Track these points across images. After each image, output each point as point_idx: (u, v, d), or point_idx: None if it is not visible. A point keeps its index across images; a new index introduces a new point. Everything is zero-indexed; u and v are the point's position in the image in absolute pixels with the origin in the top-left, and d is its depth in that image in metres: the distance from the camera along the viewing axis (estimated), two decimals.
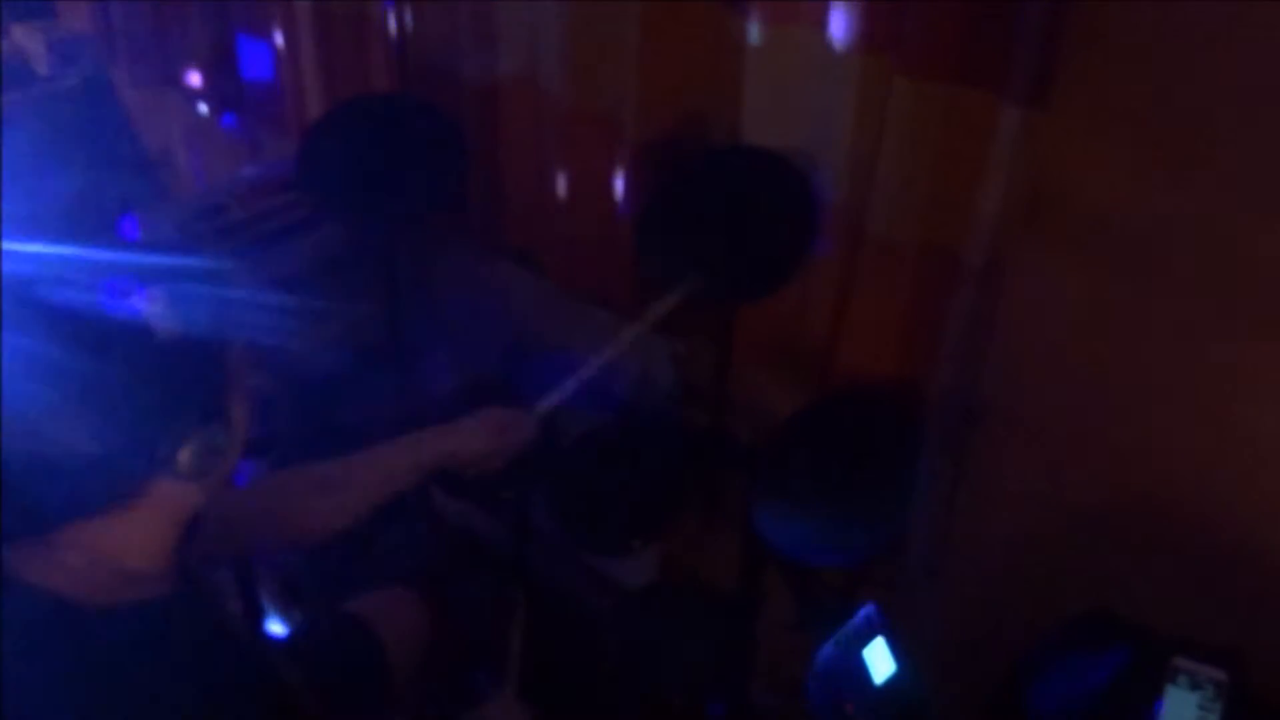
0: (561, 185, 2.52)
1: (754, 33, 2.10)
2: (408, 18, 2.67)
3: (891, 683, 1.79)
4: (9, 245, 1.27)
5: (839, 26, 1.99)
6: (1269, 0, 1.64)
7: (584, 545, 2.36)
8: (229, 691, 1.39)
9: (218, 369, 1.34)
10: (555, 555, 2.77)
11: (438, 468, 2.01)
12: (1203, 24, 1.71)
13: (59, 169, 3.94)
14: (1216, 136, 1.77)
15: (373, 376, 2.81)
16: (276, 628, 2.76)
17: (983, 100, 1.87)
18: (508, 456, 2.05)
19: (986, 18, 1.81)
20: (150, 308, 1.25)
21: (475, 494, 2.52)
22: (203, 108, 3.53)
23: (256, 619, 2.67)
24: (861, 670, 1.81)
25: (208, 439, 1.30)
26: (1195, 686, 1.75)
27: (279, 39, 3.01)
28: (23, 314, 1.22)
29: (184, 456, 1.28)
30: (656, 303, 2.13)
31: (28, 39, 3.80)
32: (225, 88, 3.32)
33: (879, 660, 1.82)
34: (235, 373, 1.37)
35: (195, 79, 3.38)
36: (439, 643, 2.19)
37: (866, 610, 1.88)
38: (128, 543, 1.34)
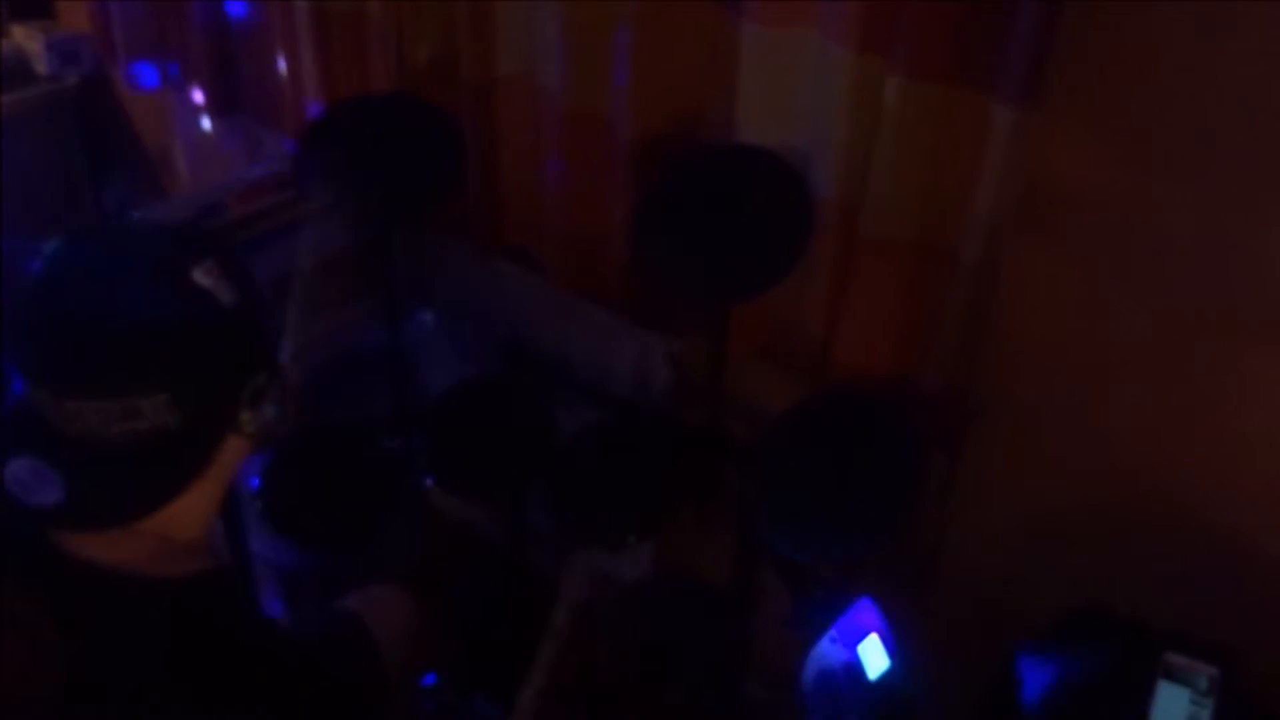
0: (558, 183, 2.52)
1: (749, 33, 2.10)
2: (406, 17, 2.66)
3: (886, 678, 1.79)
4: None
5: (833, 27, 1.99)
6: (1261, 0, 1.64)
7: (581, 540, 2.36)
8: (242, 674, 1.40)
9: (269, 325, 1.43)
10: (551, 550, 2.76)
11: None
12: (1193, 23, 1.71)
13: (59, 168, 3.94)
14: (1208, 135, 1.77)
15: (370, 373, 2.81)
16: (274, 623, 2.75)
17: (976, 99, 1.87)
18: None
19: (979, 18, 1.81)
20: (209, 280, 1.31)
21: (472, 491, 2.52)
22: (205, 123, 3.53)
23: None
24: (856, 665, 1.81)
25: (277, 391, 1.40)
26: (1187, 682, 1.75)
27: (278, 39, 3.00)
28: (95, 297, 1.28)
29: (251, 414, 1.36)
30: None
31: (27, 39, 3.79)
32: (223, 87, 3.31)
33: (873, 656, 1.82)
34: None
35: (198, 95, 3.37)
36: (434, 638, 2.19)
37: (861, 606, 1.88)
38: (189, 512, 1.39)
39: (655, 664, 2.29)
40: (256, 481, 2.33)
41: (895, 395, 2.18)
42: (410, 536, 2.81)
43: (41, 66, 3.79)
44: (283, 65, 3.03)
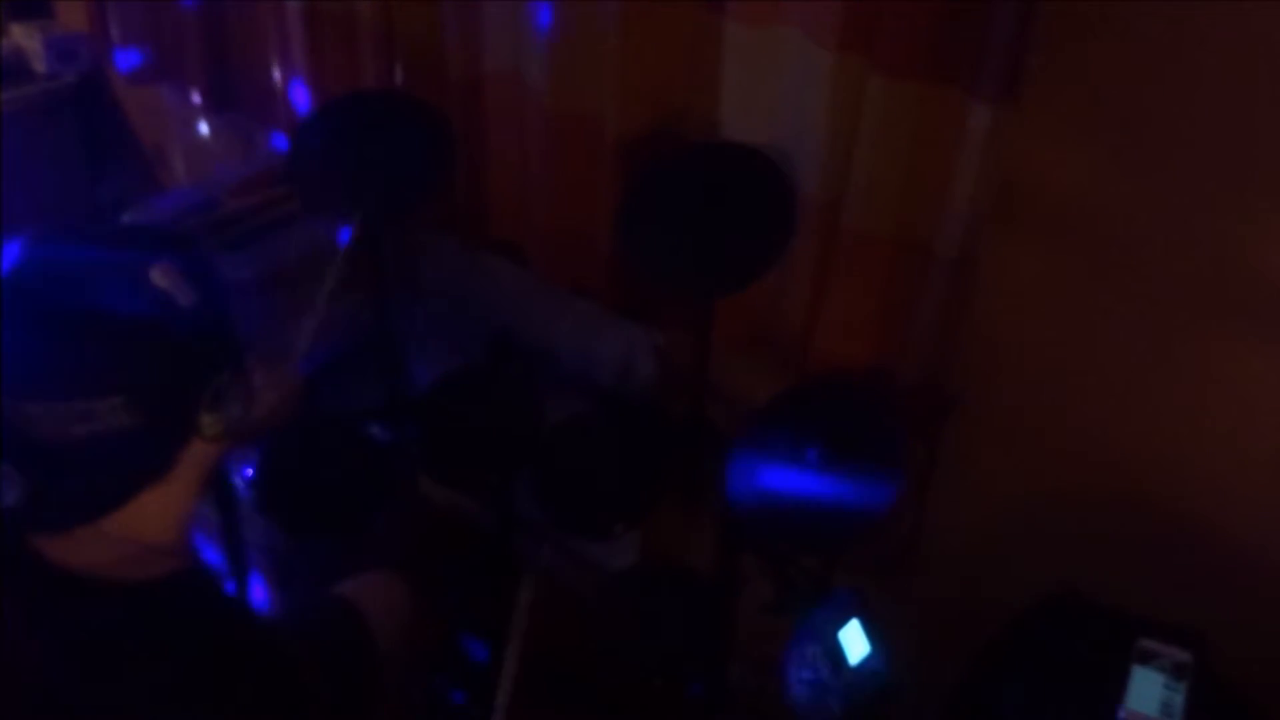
0: (545, 180, 2.51)
1: (732, 32, 2.09)
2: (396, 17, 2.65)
3: (866, 663, 1.78)
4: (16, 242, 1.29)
5: (814, 26, 1.98)
6: (1236, 0, 1.63)
7: (568, 529, 2.35)
8: (225, 668, 1.38)
9: (232, 326, 1.37)
10: (539, 539, 2.76)
11: None
12: (1166, 24, 1.70)
13: (56, 164, 3.92)
14: (1182, 133, 1.77)
15: (361, 365, 2.80)
16: (267, 611, 2.74)
17: (954, 97, 1.86)
18: None
19: (957, 18, 1.81)
20: (167, 281, 1.27)
21: (462, 481, 2.51)
22: (203, 128, 3.52)
23: (248, 602, 2.66)
24: (837, 651, 1.81)
25: (239, 395, 1.34)
26: (1161, 666, 1.75)
27: (271, 37, 2.99)
28: (51, 299, 1.25)
29: (211, 418, 1.31)
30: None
31: (26, 38, 3.77)
32: (218, 85, 3.29)
33: (854, 642, 1.81)
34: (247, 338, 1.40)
35: (196, 97, 3.35)
36: (426, 624, 2.18)
37: (842, 593, 1.88)
38: (157, 515, 1.36)
39: (640, 650, 2.28)
40: (250, 471, 2.32)
41: (875, 387, 2.17)
42: (401, 524, 2.81)
43: (40, 65, 3.77)
44: (275, 63, 3.01)
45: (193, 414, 1.30)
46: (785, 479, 2.03)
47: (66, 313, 1.24)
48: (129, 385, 1.23)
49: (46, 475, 1.26)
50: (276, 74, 3.03)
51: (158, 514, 1.36)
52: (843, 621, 1.84)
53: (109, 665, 1.30)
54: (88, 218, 3.98)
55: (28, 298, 1.25)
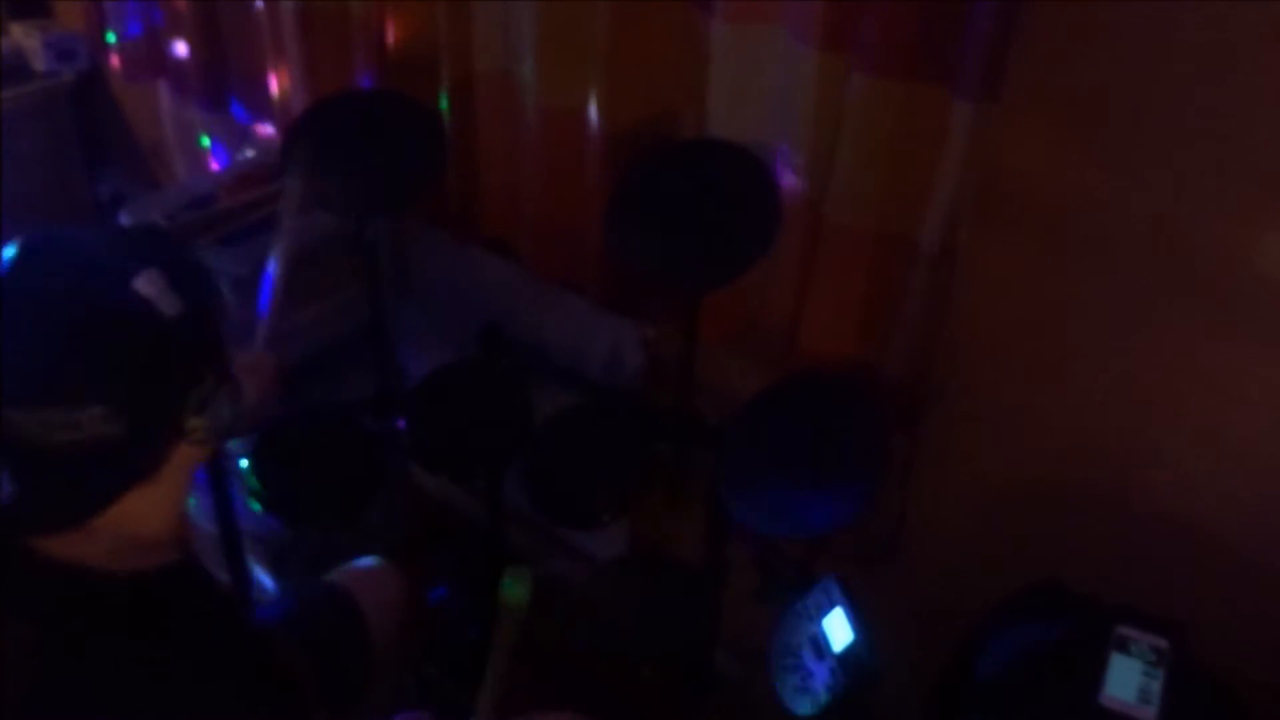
0: (535, 177, 2.50)
1: (718, 31, 2.08)
2: (388, 16, 2.64)
3: (850, 650, 1.78)
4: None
5: (799, 25, 1.97)
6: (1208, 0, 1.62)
7: (557, 519, 2.34)
8: (219, 657, 1.38)
9: (219, 335, 1.35)
10: (529, 529, 2.75)
11: None
12: (1146, 21, 1.70)
13: (55, 161, 3.90)
14: (1161, 130, 1.77)
15: (354, 358, 2.79)
16: (262, 599, 2.73)
17: (936, 95, 1.85)
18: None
19: (941, 17, 1.80)
20: (152, 290, 1.24)
21: (452, 472, 2.50)
22: (200, 126, 3.50)
23: (244, 591, 2.65)
24: (821, 638, 1.80)
25: (223, 402, 1.32)
26: (1139, 653, 1.74)
27: (266, 36, 2.98)
28: (33, 307, 1.23)
29: (198, 423, 1.30)
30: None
31: (25, 37, 3.76)
32: (214, 83, 3.28)
33: (837, 630, 1.80)
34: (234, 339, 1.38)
35: (194, 96, 3.33)
36: (417, 611, 2.17)
37: (826, 582, 1.87)
38: (150, 511, 1.34)
39: (629, 638, 2.27)
40: (245, 461, 2.31)
41: (858, 379, 2.17)
42: (393, 514, 2.80)
43: (39, 64, 3.76)
44: (270, 62, 3.00)
45: (176, 421, 1.28)
46: (771, 470, 2.02)
47: (48, 321, 1.22)
48: (108, 396, 1.21)
49: (31, 477, 1.24)
50: (271, 72, 3.02)
51: (147, 511, 1.34)
52: (827, 609, 1.83)
53: (101, 655, 1.28)
54: (85, 215, 3.98)
55: (9, 305, 1.22)
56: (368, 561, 2.18)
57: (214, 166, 3.51)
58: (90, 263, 1.27)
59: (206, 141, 3.57)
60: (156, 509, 1.35)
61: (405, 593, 2.16)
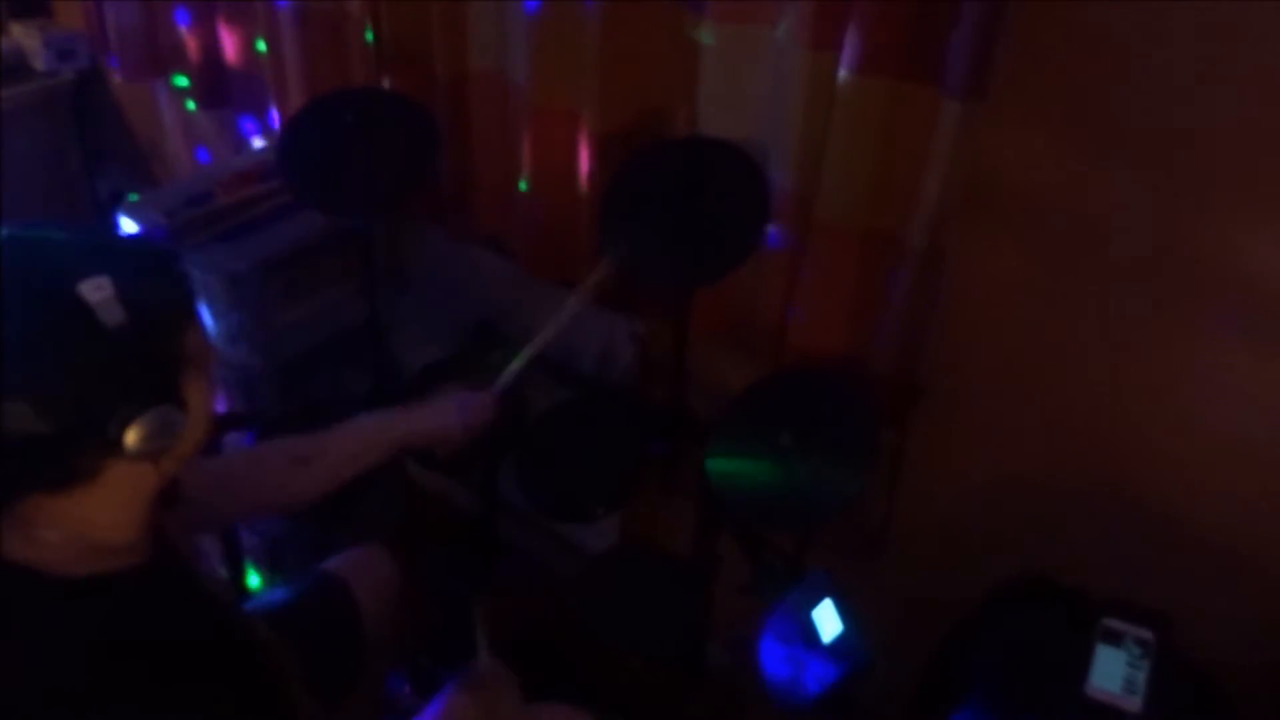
0: (528, 174, 2.49)
1: (709, 31, 2.07)
2: (383, 15, 2.63)
3: (838, 642, 1.78)
4: None
5: (789, 25, 1.97)
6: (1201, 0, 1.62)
7: (549, 512, 2.33)
8: (206, 654, 1.35)
9: (168, 353, 1.28)
10: (522, 521, 2.74)
11: (410, 444, 1.99)
12: (1132, 20, 1.69)
13: (55, 160, 3.89)
14: (1147, 128, 1.77)
15: (350, 355, 2.78)
16: (260, 589, 2.72)
17: (924, 93, 1.85)
18: (472, 434, 2.03)
19: (929, 16, 1.80)
20: (96, 296, 1.19)
21: (446, 466, 2.49)
22: (194, 116, 3.49)
23: (241, 582, 2.64)
24: (810, 630, 1.80)
25: (158, 420, 1.25)
26: (1124, 645, 1.75)
27: (263, 36, 2.97)
28: None
29: (131, 438, 1.23)
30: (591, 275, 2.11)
31: (26, 36, 3.74)
32: (212, 82, 3.27)
33: (827, 621, 1.81)
34: (192, 354, 1.31)
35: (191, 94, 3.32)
36: (411, 600, 2.17)
37: (815, 574, 1.87)
38: (95, 518, 1.30)
39: (620, 630, 2.27)
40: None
41: (847, 375, 2.16)
42: (388, 507, 2.79)
43: (39, 63, 3.74)
44: (267, 61, 2.99)
45: (106, 431, 1.23)
46: (761, 463, 2.02)
47: None
48: (30, 393, 1.17)
49: None
50: (267, 71, 3.01)
51: (90, 517, 1.28)
52: (816, 602, 1.83)
53: (71, 657, 1.26)
54: (85, 214, 3.97)
55: None
56: (363, 549, 2.18)
57: (211, 165, 3.50)
58: (42, 261, 1.23)
59: (205, 141, 3.55)
60: (101, 516, 1.30)
61: (399, 578, 2.15)
